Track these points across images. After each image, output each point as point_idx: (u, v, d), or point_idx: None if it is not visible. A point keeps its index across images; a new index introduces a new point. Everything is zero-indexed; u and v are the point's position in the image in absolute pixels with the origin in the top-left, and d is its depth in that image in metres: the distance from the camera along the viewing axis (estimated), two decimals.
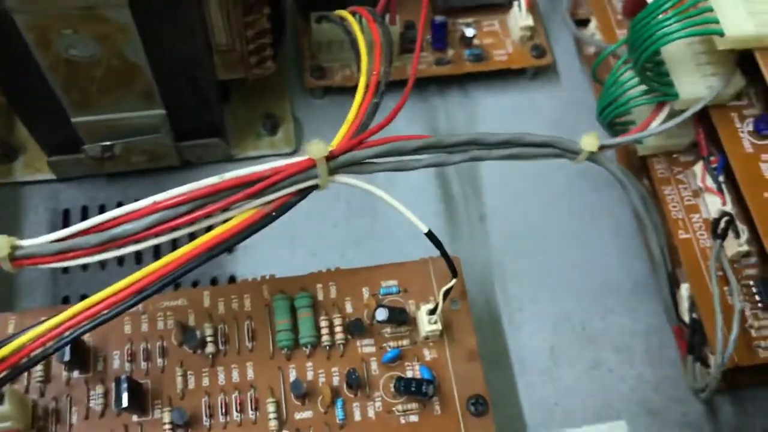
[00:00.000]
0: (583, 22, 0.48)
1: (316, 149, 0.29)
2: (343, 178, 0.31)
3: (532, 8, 0.46)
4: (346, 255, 0.42)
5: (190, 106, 0.39)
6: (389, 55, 0.34)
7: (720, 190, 0.37)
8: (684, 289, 0.38)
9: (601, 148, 0.33)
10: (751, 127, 0.35)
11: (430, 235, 0.31)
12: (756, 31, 0.31)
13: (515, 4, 0.46)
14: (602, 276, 0.42)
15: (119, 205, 0.42)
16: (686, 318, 0.37)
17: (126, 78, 0.36)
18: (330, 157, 0.30)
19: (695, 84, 0.34)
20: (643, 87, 0.35)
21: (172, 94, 0.37)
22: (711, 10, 0.31)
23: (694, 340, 0.37)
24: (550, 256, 0.43)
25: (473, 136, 0.32)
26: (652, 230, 0.35)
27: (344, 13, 0.39)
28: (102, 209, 0.42)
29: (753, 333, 0.36)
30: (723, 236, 0.35)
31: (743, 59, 0.35)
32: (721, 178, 0.37)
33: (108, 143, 0.39)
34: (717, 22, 0.31)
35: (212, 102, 0.40)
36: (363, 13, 0.38)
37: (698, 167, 0.39)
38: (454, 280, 0.32)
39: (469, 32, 0.45)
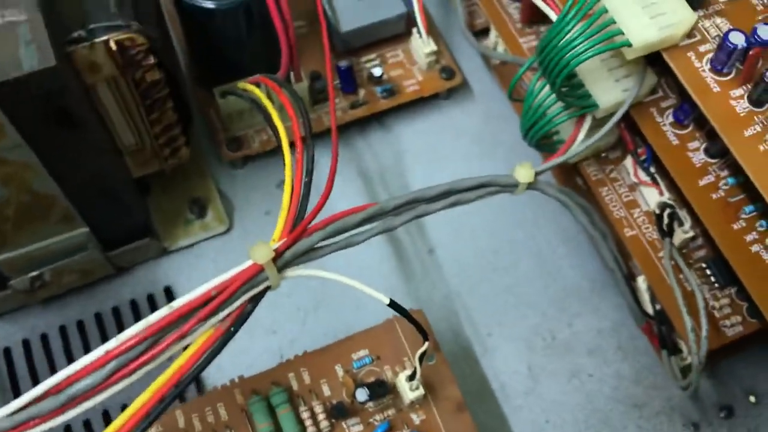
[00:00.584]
0: (483, 32, 0.47)
1: (260, 253, 0.28)
2: (293, 272, 0.30)
3: (432, 31, 0.46)
4: (306, 323, 0.41)
5: (112, 217, 0.37)
6: (307, 124, 0.33)
7: (654, 181, 0.38)
8: (641, 281, 0.39)
9: (537, 174, 0.33)
10: (671, 119, 0.36)
11: (392, 305, 0.31)
12: (660, 35, 0.31)
13: (414, 31, 0.45)
14: (559, 283, 0.43)
15: (62, 329, 0.40)
16: (650, 310, 0.38)
17: (41, 209, 0.34)
18: (276, 257, 0.29)
19: (612, 90, 0.35)
20: (562, 103, 0.35)
21: (92, 210, 0.36)
22: (614, 22, 0.31)
23: (662, 331, 0.37)
24: (506, 275, 0.43)
25: (413, 195, 0.32)
26: (602, 241, 0.35)
27: (247, 86, 0.38)
28: (44, 338, 0.40)
29: (716, 314, 0.37)
30: (670, 233, 0.35)
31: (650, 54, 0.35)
32: (652, 169, 0.38)
33: (36, 273, 0.37)
34: (622, 33, 0.31)
35: (133, 206, 0.38)
36: (267, 83, 0.37)
37: (628, 162, 0.39)
38: (426, 343, 0.32)
39: (377, 71, 0.44)
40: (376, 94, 0.45)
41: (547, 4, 0.37)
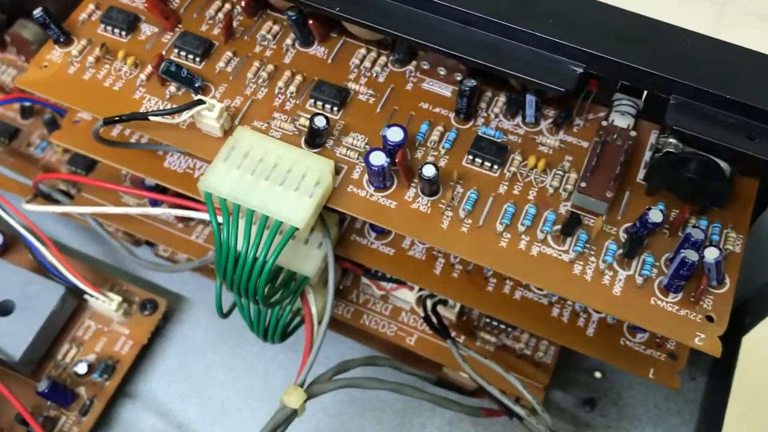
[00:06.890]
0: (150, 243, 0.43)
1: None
2: None
3: (104, 280, 0.41)
4: None
5: None
6: None
7: (400, 282, 0.37)
8: (448, 371, 0.38)
9: (309, 388, 0.31)
10: (373, 234, 0.35)
11: None
12: (315, 199, 0.29)
13: (86, 296, 0.40)
14: (387, 410, 0.41)
15: None
16: (473, 386, 0.38)
17: None
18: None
19: (310, 255, 0.33)
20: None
21: None
22: (267, 217, 0.29)
23: (501, 405, 0.36)
24: None
25: None
26: (404, 385, 0.34)
27: None
28: None
29: (528, 352, 0.37)
30: (446, 331, 0.35)
31: None
32: (384, 284, 0.37)
33: None
34: (282, 221, 0.29)
35: None
36: None
37: (366, 280, 0.38)
38: None
39: (81, 368, 0.39)
40: (96, 382, 0.39)
41: (193, 209, 0.35)
